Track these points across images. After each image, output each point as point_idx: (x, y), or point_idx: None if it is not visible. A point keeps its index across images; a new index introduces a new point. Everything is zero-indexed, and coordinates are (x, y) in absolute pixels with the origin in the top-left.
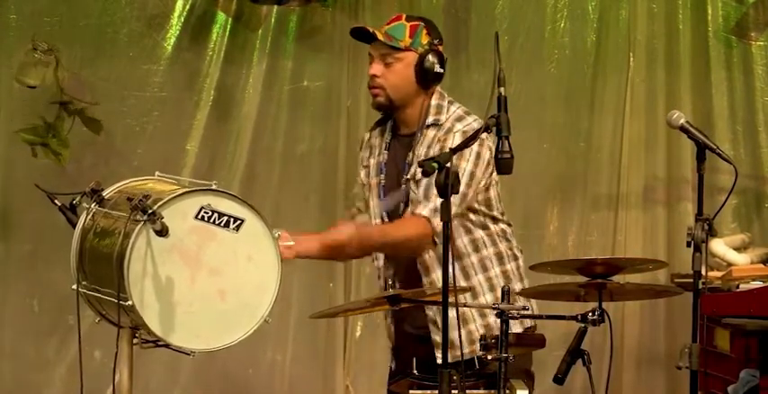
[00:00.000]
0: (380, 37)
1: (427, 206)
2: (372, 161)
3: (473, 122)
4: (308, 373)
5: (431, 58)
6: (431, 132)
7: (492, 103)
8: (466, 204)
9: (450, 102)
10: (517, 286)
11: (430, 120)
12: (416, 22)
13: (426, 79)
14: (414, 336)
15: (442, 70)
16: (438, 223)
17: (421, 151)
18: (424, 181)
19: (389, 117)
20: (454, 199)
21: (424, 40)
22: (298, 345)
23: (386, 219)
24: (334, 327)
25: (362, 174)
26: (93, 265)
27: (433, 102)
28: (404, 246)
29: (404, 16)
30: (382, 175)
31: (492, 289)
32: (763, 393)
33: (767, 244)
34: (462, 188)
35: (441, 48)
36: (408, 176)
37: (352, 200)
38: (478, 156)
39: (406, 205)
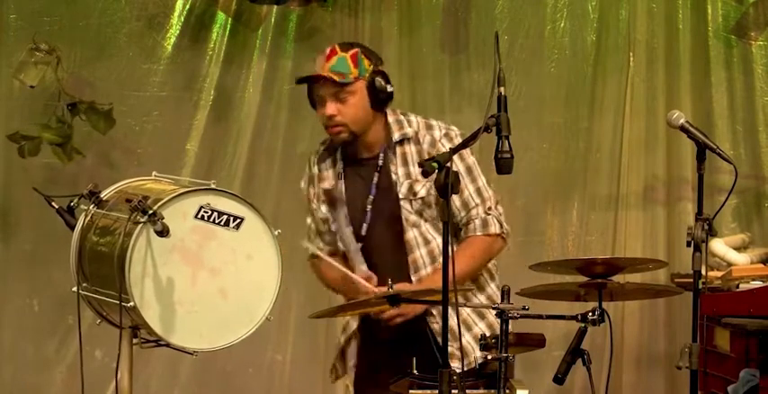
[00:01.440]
0: (335, 77)
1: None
2: (337, 189)
3: (442, 125)
4: (308, 373)
5: (379, 80)
6: (405, 148)
7: (492, 103)
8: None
9: (404, 114)
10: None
11: (396, 136)
12: (354, 51)
13: (381, 102)
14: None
15: (392, 89)
16: (507, 227)
17: (400, 170)
18: (455, 197)
19: (334, 147)
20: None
21: (367, 65)
22: (298, 345)
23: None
24: (334, 327)
25: (323, 208)
26: (93, 267)
27: (391, 119)
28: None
29: (337, 47)
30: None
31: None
32: (763, 393)
33: (767, 244)
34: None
35: (381, 67)
36: (402, 195)
37: (316, 242)
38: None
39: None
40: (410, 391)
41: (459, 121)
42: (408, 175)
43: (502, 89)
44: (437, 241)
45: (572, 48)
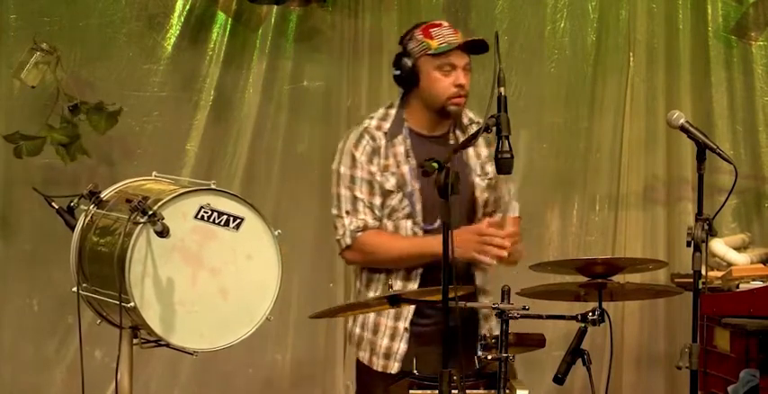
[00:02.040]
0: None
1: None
2: (405, 167)
3: None
4: (308, 373)
5: None
6: (472, 129)
7: (492, 103)
8: None
9: None
10: None
11: (467, 119)
12: None
13: None
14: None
15: None
16: None
17: (471, 150)
18: (510, 183)
19: (399, 121)
20: None
21: None
22: (298, 345)
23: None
24: (333, 328)
25: (392, 180)
26: (93, 267)
27: None
28: None
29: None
30: (417, 182)
31: None
32: (763, 393)
33: (767, 244)
34: None
35: None
36: (477, 175)
37: (364, 216)
38: None
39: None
40: (410, 391)
41: None
42: (478, 156)
43: (502, 89)
44: None
45: (572, 48)
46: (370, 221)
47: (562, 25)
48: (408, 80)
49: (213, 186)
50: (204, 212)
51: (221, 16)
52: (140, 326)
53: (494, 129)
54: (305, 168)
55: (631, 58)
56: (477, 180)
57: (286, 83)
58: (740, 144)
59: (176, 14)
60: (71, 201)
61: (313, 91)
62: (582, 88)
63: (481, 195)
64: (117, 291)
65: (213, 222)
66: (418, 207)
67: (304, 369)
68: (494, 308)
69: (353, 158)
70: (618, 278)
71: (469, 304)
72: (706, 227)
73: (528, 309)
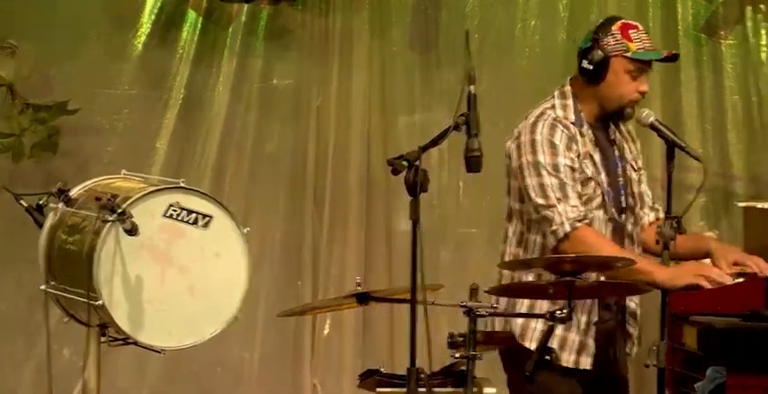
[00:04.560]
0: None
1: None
2: (597, 156)
3: None
4: (276, 371)
5: None
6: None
7: (462, 101)
8: None
9: None
10: None
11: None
12: None
13: None
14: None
15: None
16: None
17: (626, 147)
18: (645, 185)
19: (578, 113)
20: None
21: None
22: (266, 343)
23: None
24: (302, 326)
25: (591, 167)
26: (61, 265)
27: None
28: None
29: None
30: (604, 172)
31: None
32: (729, 390)
33: (735, 242)
34: None
35: None
36: (640, 172)
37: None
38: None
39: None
40: (378, 390)
41: (428, 120)
42: (631, 151)
43: (472, 87)
44: None
45: (542, 46)
46: (584, 210)
47: (533, 23)
48: (595, 74)
49: (182, 184)
50: (173, 210)
51: (192, 15)
52: (108, 324)
53: (463, 127)
54: (274, 166)
55: None
56: (633, 175)
57: (256, 81)
58: (709, 142)
59: (146, 13)
60: (40, 200)
61: (283, 89)
62: (552, 86)
63: (637, 189)
64: (85, 289)
65: (182, 220)
66: (606, 197)
67: (272, 367)
68: (462, 307)
69: (553, 145)
70: (592, 276)
71: (437, 302)
72: (675, 225)
73: (497, 308)
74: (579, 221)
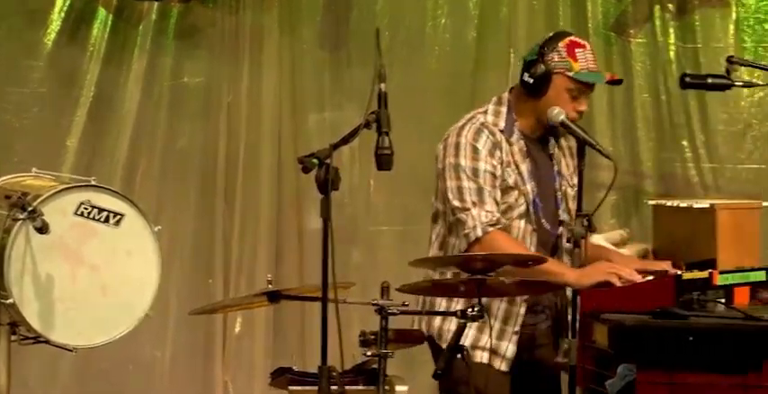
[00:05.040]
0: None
1: None
2: (524, 167)
3: None
4: (188, 369)
5: None
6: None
7: (372, 99)
8: None
9: None
10: None
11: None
12: None
13: None
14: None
15: None
16: None
17: (569, 161)
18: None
19: (512, 122)
20: None
21: None
22: (177, 341)
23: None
24: (213, 324)
25: (513, 176)
26: None
27: None
28: None
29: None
30: (533, 183)
31: None
32: (639, 387)
33: (645, 239)
34: None
35: None
36: (575, 188)
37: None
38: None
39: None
40: (289, 388)
41: (339, 118)
42: (568, 166)
43: (382, 85)
44: None
45: (453, 44)
46: (498, 216)
47: (443, 21)
48: (536, 89)
49: (93, 182)
50: (84, 208)
51: (102, 12)
52: (19, 323)
53: (374, 125)
54: (185, 164)
55: (512, 55)
56: (570, 190)
57: (167, 79)
58: (619, 140)
59: (57, 10)
60: None
61: (193, 87)
62: (462, 84)
63: (573, 205)
64: None
65: (93, 219)
66: (534, 208)
67: (184, 365)
68: (373, 305)
69: (476, 150)
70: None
71: (348, 301)
72: (585, 223)
73: (408, 306)
74: (491, 226)
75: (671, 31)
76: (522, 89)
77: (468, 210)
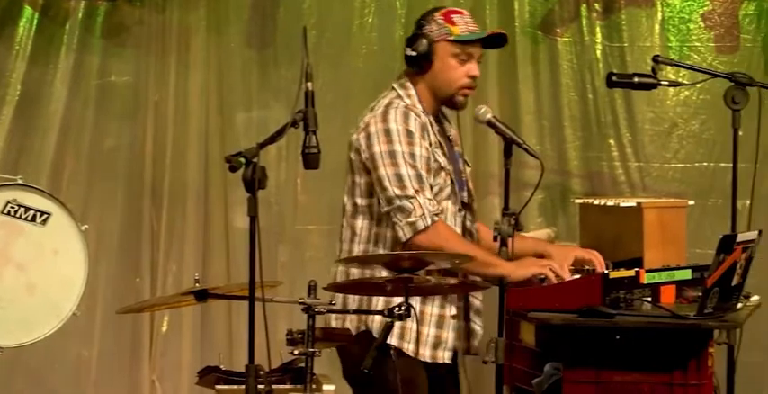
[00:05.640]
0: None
1: None
2: (445, 147)
3: None
4: (115, 368)
5: None
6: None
7: (299, 98)
8: None
9: None
10: None
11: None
12: None
13: None
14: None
15: None
16: None
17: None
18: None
19: (422, 106)
20: None
21: None
22: (104, 340)
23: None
24: (140, 323)
25: (443, 157)
26: None
27: None
28: None
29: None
30: (451, 167)
31: None
32: (566, 386)
33: (572, 238)
34: None
35: None
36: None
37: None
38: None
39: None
40: (216, 387)
41: (266, 117)
42: (461, 148)
43: (309, 84)
44: None
45: (380, 43)
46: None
47: (370, 20)
48: (421, 62)
49: (20, 181)
50: (11, 207)
51: (28, 10)
52: None
53: (301, 124)
54: (112, 163)
55: None
56: (468, 170)
57: (93, 78)
58: (546, 139)
59: None
60: None
61: (120, 86)
62: (389, 83)
63: (471, 186)
64: None
65: (20, 218)
66: (456, 188)
67: (111, 364)
68: (300, 304)
69: (410, 134)
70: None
71: (275, 299)
72: (512, 221)
73: (335, 304)
74: (436, 215)
75: (597, 30)
76: (411, 68)
77: (414, 197)
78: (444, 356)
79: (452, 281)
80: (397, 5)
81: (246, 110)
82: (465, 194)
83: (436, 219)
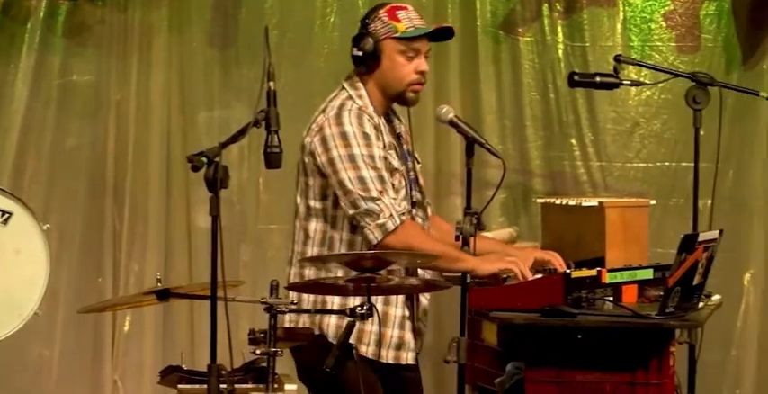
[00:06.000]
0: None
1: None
2: (397, 147)
3: None
4: (77, 368)
5: None
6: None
7: (261, 98)
8: None
9: None
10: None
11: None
12: None
13: None
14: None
15: None
16: None
17: (408, 138)
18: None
19: (370, 100)
20: None
21: None
22: (66, 340)
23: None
24: (102, 322)
25: (397, 158)
26: None
27: None
28: None
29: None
30: (408, 164)
31: None
32: (528, 385)
33: (534, 238)
34: None
35: None
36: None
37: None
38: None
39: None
40: (179, 386)
41: (228, 116)
42: (409, 143)
43: (271, 84)
44: None
45: (341, 43)
46: (406, 205)
47: (332, 20)
48: (368, 61)
49: None
50: None
51: None
52: None
53: (263, 123)
54: (74, 163)
55: None
56: (419, 168)
57: (55, 77)
58: (508, 139)
59: None
60: None
61: (82, 85)
62: None
63: (422, 183)
64: None
65: None
66: (409, 188)
67: (72, 363)
68: (262, 303)
69: (366, 136)
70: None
71: (237, 299)
72: (474, 221)
73: (297, 304)
74: (403, 215)
75: (559, 29)
76: (358, 67)
77: (379, 199)
78: (408, 357)
79: (414, 280)
80: (359, 5)
81: (208, 109)
82: (416, 192)
83: (404, 218)
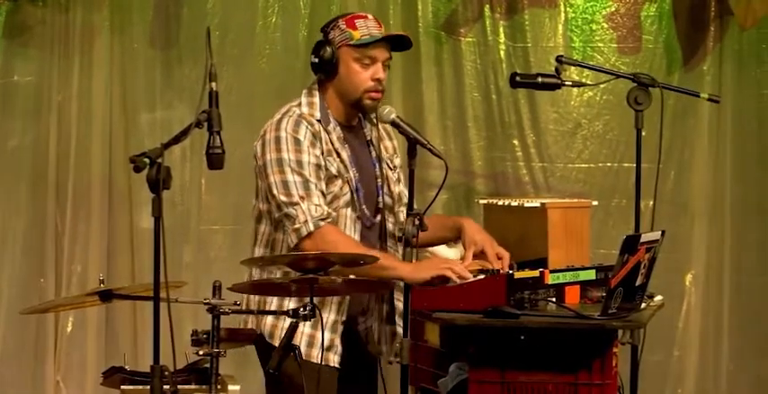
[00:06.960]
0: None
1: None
2: (344, 154)
3: None
4: (19, 369)
5: None
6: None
7: (203, 99)
8: None
9: None
10: None
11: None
12: None
13: None
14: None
15: None
16: None
17: (389, 144)
18: (402, 186)
19: (326, 110)
20: None
21: None
22: (8, 341)
23: (367, 213)
24: (44, 323)
25: (335, 165)
26: None
27: None
28: None
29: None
30: (354, 170)
31: None
32: (471, 385)
33: None
34: None
35: None
36: (396, 170)
37: (322, 204)
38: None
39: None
40: (122, 387)
41: (170, 117)
42: (386, 149)
43: (213, 84)
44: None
45: (283, 43)
46: (328, 210)
47: (273, 20)
48: (326, 69)
49: None
50: None
51: None
52: None
53: (205, 124)
54: (15, 163)
55: None
56: (391, 174)
57: None
58: (450, 139)
59: None
60: None
61: (24, 86)
62: (293, 83)
63: (395, 188)
64: None
65: None
66: (356, 195)
67: (14, 365)
68: (205, 304)
69: (298, 142)
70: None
71: (180, 300)
72: (417, 222)
73: (239, 305)
74: (322, 220)
75: (501, 30)
76: (317, 76)
77: (297, 204)
78: (335, 360)
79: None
80: (301, 6)
81: (150, 110)
82: (381, 198)
83: (321, 224)
